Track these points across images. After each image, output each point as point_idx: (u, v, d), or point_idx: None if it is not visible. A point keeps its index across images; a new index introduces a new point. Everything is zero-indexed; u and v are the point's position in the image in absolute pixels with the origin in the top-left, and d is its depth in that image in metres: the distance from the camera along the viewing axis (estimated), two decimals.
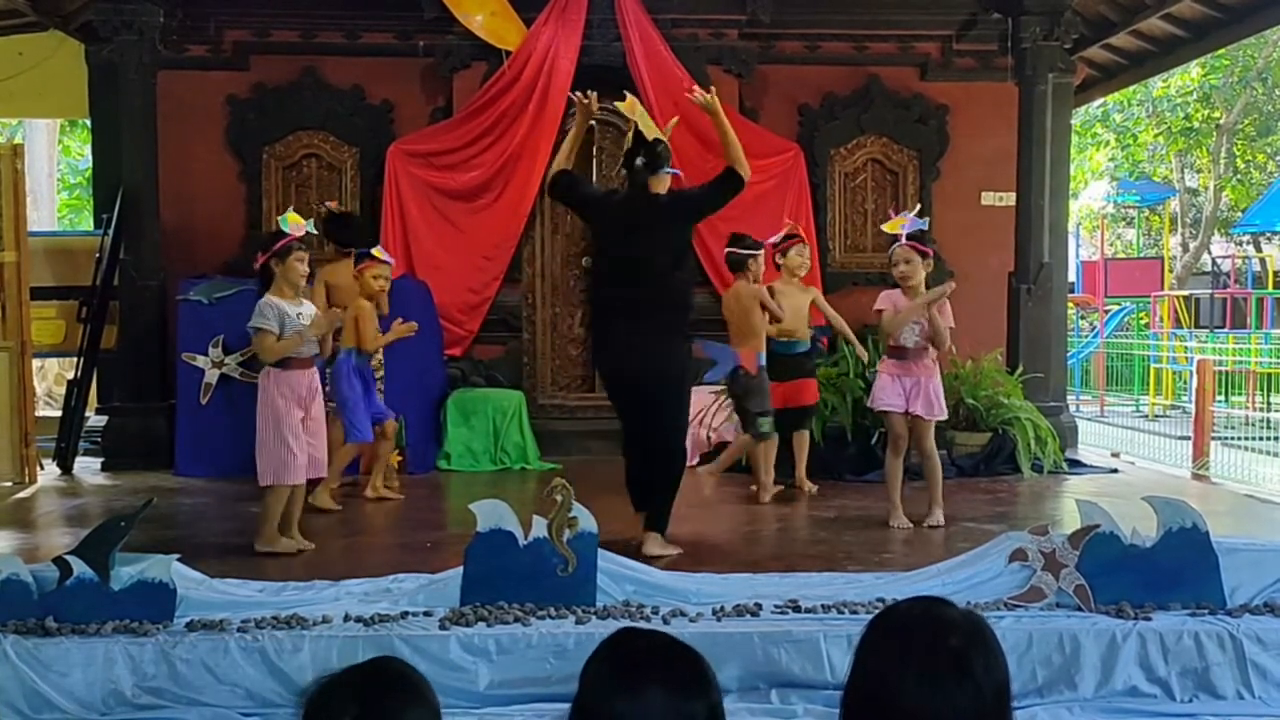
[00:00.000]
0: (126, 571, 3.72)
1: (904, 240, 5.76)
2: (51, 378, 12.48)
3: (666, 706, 1.65)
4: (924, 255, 5.78)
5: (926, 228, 6.03)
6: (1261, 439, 9.76)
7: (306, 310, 5.23)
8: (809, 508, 6.39)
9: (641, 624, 3.62)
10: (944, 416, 5.93)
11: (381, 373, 6.74)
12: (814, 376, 6.89)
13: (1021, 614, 3.86)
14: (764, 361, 6.43)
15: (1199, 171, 22.81)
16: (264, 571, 4.56)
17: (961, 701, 1.65)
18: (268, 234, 5.41)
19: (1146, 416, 13.46)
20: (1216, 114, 21.08)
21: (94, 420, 8.42)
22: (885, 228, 6.18)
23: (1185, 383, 13.00)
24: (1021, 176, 8.34)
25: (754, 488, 6.50)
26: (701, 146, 8.53)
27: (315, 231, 5.98)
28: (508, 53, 8.43)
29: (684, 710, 1.66)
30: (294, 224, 5.22)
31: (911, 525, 5.74)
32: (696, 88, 5.27)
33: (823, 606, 3.88)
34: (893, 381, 5.74)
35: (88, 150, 13.41)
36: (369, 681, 1.69)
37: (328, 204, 7.41)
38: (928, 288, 5.77)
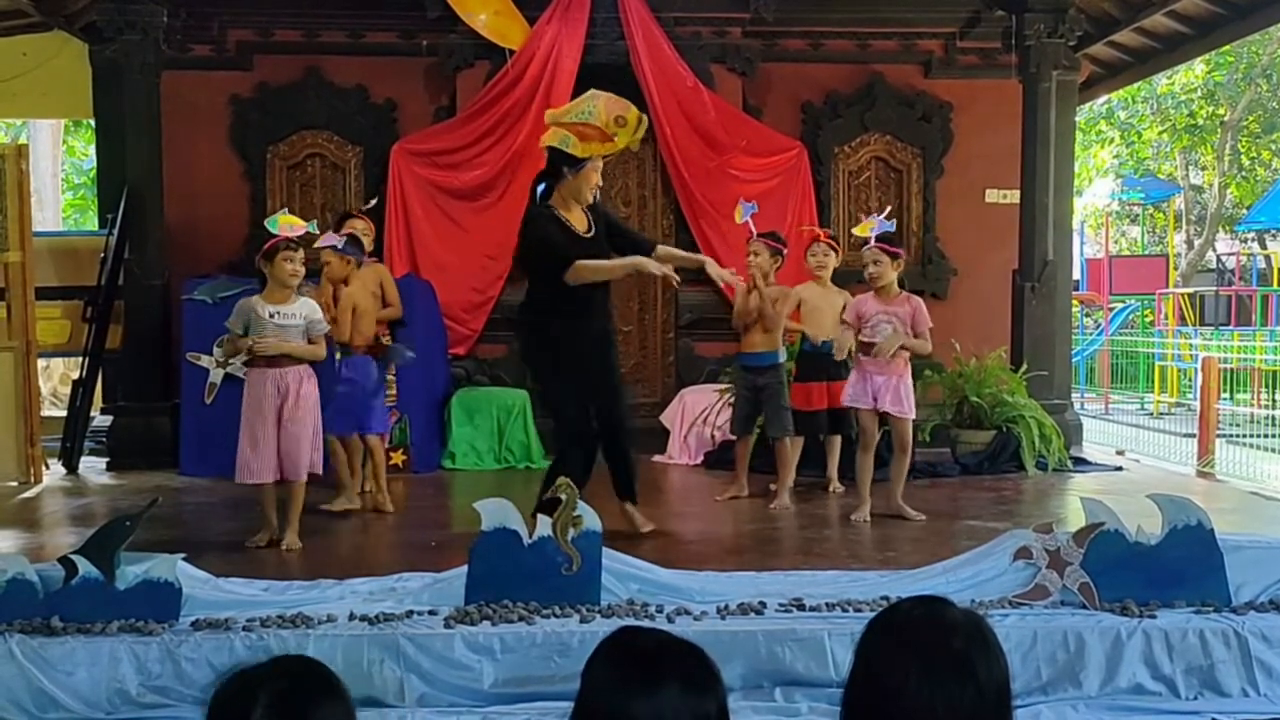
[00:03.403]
0: (131, 571, 3.72)
1: (873, 242, 5.85)
2: (57, 377, 12.52)
3: (681, 705, 1.64)
4: (894, 256, 5.90)
5: (894, 228, 6.17)
6: (1266, 436, 9.73)
7: (291, 310, 5.20)
8: (812, 506, 6.38)
9: (646, 623, 3.61)
10: (912, 415, 5.97)
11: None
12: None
13: (1026, 612, 3.86)
14: (783, 359, 6.50)
15: (1204, 168, 22.76)
16: (269, 571, 4.57)
17: (962, 702, 1.64)
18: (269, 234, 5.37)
19: (1151, 414, 13.43)
20: (1221, 111, 21.04)
21: (99, 420, 8.45)
22: (856, 231, 6.30)
23: (1190, 380, 12.98)
24: (1026, 174, 8.33)
25: (772, 486, 6.44)
26: (705, 145, 8.57)
27: (315, 231, 5.95)
28: (511, 51, 8.43)
29: (698, 708, 1.65)
30: (284, 225, 5.22)
31: (870, 519, 5.79)
32: None
33: (827, 604, 3.87)
34: (863, 380, 5.85)
35: (92, 150, 13.43)
36: (278, 676, 1.65)
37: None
38: (901, 287, 6.04)
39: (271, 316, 5.15)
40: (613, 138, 5.29)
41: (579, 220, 5.33)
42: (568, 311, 5.24)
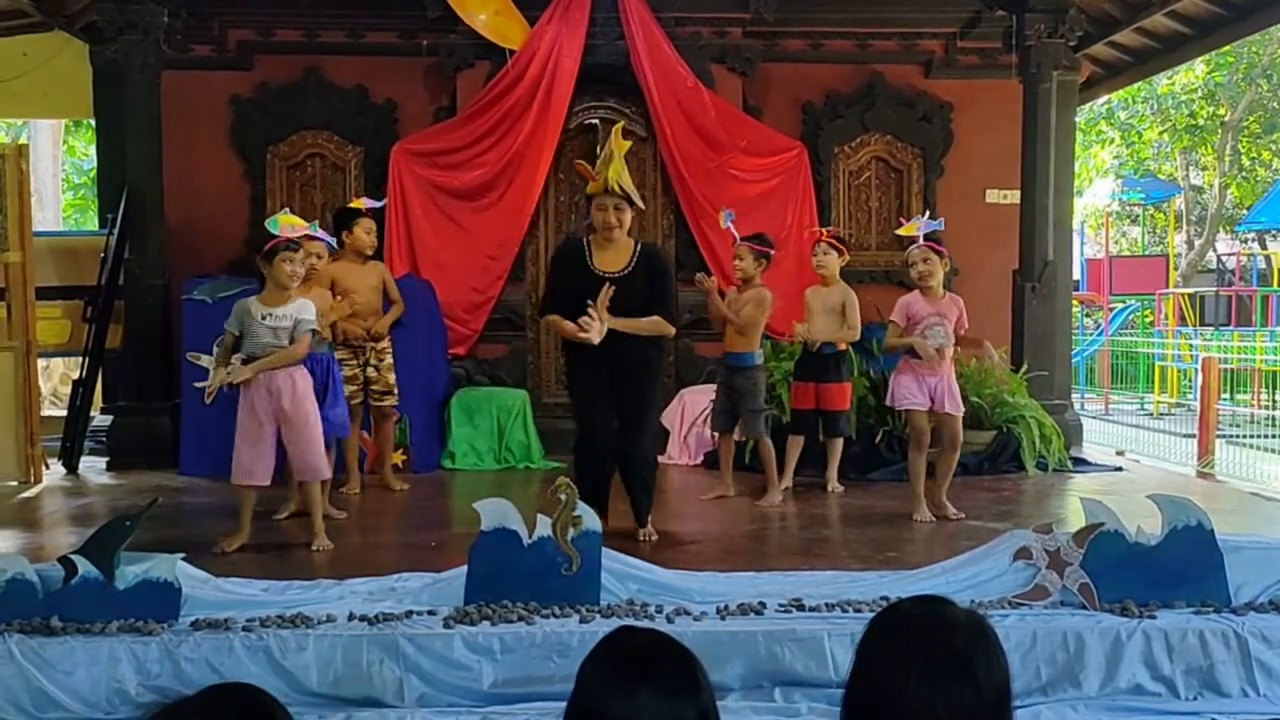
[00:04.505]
0: (131, 571, 3.72)
1: (921, 241, 5.82)
2: (57, 377, 12.52)
3: (655, 707, 1.64)
4: (940, 255, 5.87)
5: (943, 226, 6.09)
6: (1267, 437, 9.74)
7: (284, 311, 5.13)
8: (812, 506, 6.38)
9: (645, 623, 3.61)
10: (963, 411, 6.03)
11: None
12: (844, 380, 6.73)
13: (1026, 612, 3.86)
14: (758, 361, 6.52)
15: (1204, 169, 22.77)
16: (268, 570, 4.57)
17: (962, 702, 1.64)
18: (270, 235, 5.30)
19: (1151, 414, 13.44)
20: (1221, 111, 21.04)
21: (99, 420, 8.44)
22: (901, 231, 6.26)
23: (1190, 381, 12.98)
24: (1026, 174, 8.33)
25: (769, 487, 6.44)
26: (705, 145, 8.57)
27: (317, 232, 5.94)
28: (511, 52, 8.43)
29: (672, 711, 1.65)
30: (285, 225, 5.19)
31: (935, 519, 5.81)
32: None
33: (826, 605, 3.87)
34: (917, 382, 5.81)
35: (92, 150, 13.44)
36: (213, 706, 1.58)
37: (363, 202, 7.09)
38: (946, 287, 5.95)
39: (264, 319, 5.10)
40: (596, 176, 5.30)
41: (612, 257, 5.25)
42: (574, 347, 5.27)
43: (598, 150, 8.73)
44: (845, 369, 6.72)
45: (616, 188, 5.20)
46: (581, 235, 5.40)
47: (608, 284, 5.12)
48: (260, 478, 5.17)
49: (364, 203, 6.90)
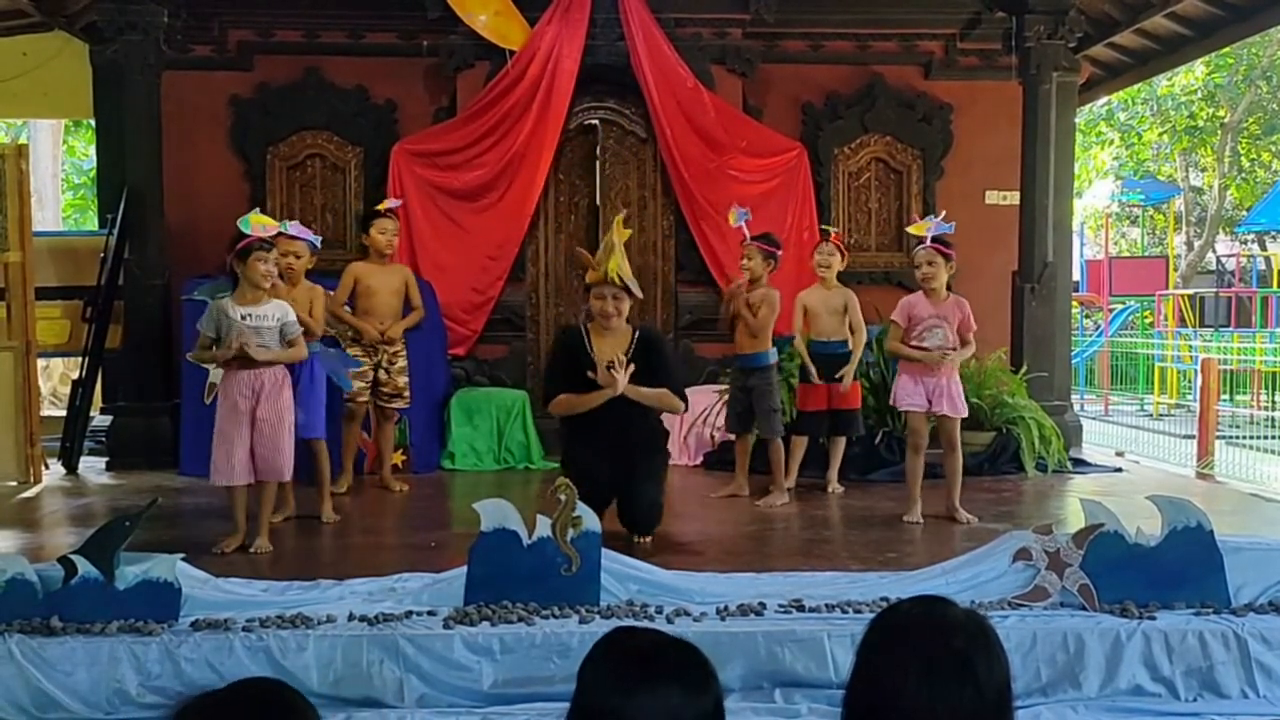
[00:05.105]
0: (131, 571, 3.72)
1: (929, 242, 5.81)
2: (56, 377, 12.52)
3: (679, 703, 1.65)
4: (947, 257, 5.84)
5: (953, 229, 6.07)
6: (1266, 438, 9.75)
7: (263, 311, 5.13)
8: (812, 507, 6.38)
9: (645, 623, 3.61)
10: (965, 414, 5.98)
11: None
12: (856, 379, 6.79)
13: (1025, 613, 3.86)
14: (772, 360, 6.52)
15: (1204, 170, 22.78)
16: (268, 571, 4.57)
17: (963, 702, 1.64)
18: (234, 235, 5.26)
19: (1151, 415, 13.45)
20: (1221, 112, 21.06)
21: (99, 420, 8.44)
22: (911, 230, 6.27)
23: (1190, 382, 12.98)
24: (1026, 175, 8.33)
25: (772, 488, 6.46)
26: (705, 146, 8.57)
27: (287, 231, 5.91)
28: (511, 52, 8.43)
29: (694, 706, 1.66)
30: (256, 225, 5.19)
31: (922, 521, 5.80)
32: None
33: (826, 606, 3.88)
34: (915, 383, 5.80)
35: (92, 150, 13.44)
36: (239, 702, 1.58)
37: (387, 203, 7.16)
38: (950, 290, 5.91)
39: (244, 319, 5.08)
40: (596, 266, 5.33)
41: (610, 344, 5.26)
42: (574, 425, 5.32)
43: (597, 152, 8.82)
44: (857, 368, 6.78)
45: (616, 279, 5.23)
46: (580, 324, 5.45)
47: (608, 364, 5.13)
48: (236, 477, 5.11)
49: (386, 203, 7.02)
